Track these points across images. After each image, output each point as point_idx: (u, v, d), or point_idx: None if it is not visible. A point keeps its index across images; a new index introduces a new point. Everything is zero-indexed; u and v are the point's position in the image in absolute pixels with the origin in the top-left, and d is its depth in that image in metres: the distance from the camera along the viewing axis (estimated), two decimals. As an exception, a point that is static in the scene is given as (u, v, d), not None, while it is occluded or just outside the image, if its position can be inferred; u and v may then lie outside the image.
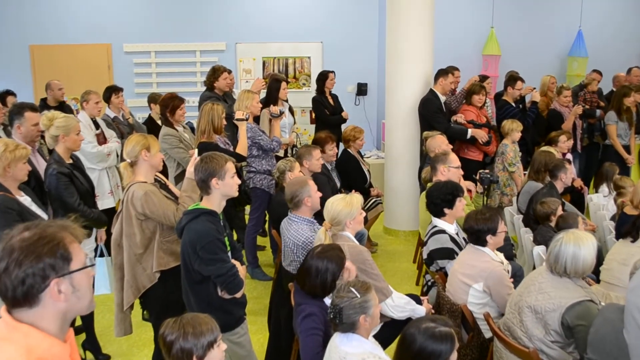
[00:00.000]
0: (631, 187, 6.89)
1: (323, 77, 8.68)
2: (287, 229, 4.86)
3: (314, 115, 9.09)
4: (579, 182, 7.68)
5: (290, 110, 7.85)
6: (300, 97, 10.74)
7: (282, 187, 5.91)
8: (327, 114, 8.60)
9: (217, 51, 10.66)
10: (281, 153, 7.32)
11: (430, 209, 5.05)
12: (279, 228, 5.33)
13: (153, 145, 4.29)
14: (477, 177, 6.13)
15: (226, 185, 3.84)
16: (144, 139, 4.28)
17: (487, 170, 6.48)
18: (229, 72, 8.77)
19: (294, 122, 7.90)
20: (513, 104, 8.32)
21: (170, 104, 6.28)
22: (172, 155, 6.15)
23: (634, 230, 4.75)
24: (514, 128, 7.61)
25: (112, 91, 7.52)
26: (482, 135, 7.61)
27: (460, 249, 4.83)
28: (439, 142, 6.56)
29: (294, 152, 7.45)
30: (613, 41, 11.89)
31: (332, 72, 8.75)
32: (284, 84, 7.52)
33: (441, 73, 7.73)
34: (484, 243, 4.39)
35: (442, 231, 4.93)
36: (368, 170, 7.79)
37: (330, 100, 8.76)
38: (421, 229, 6.06)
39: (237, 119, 6.15)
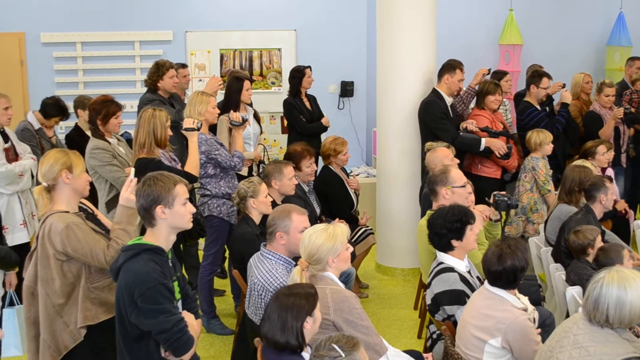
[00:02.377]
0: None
1: (298, 74, 8.70)
2: (257, 267, 4.84)
3: (286, 122, 9.08)
4: (622, 205, 7.73)
5: (256, 116, 7.84)
6: (269, 100, 10.75)
7: (245, 216, 5.90)
8: (303, 121, 8.62)
9: (162, 42, 10.67)
10: (244, 171, 7.30)
11: (434, 242, 5.04)
12: (243, 267, 5.31)
13: (76, 164, 4.26)
14: (492, 201, 6.14)
15: (175, 215, 3.82)
16: (64, 156, 4.24)
17: (503, 192, 6.51)
18: (184, 66, 8.76)
19: (261, 132, 7.90)
20: (538, 107, 8.39)
21: (102, 110, 6.25)
22: (103, 175, 6.10)
23: (692, 265, 4.79)
24: (542, 140, 7.67)
25: None
26: (499, 146, 7.65)
27: (474, 290, 4.82)
28: (440, 156, 6.57)
29: (260, 169, 7.43)
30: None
31: (309, 67, 8.78)
32: (247, 84, 7.52)
33: (447, 69, 7.77)
34: (512, 286, 4.40)
35: (450, 269, 4.92)
36: (355, 192, 7.79)
37: (307, 104, 8.78)
38: (422, 267, 6.05)
39: (187, 129, 6.13)
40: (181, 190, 3.83)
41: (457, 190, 5.71)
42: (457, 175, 5.77)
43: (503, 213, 6.36)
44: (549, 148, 7.73)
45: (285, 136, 10.11)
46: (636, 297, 3.73)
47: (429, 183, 5.87)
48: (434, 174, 5.91)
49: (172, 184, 3.81)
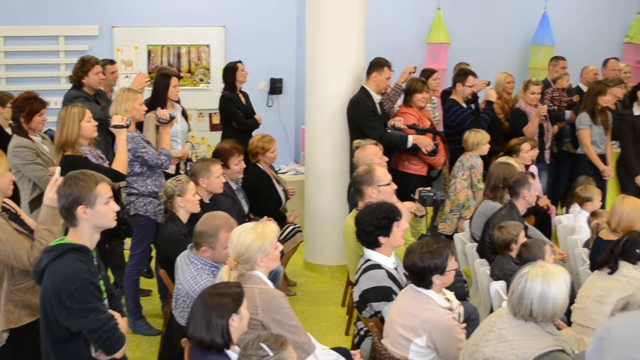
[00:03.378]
0: (598, 197, 7.17)
1: (231, 69, 8.74)
2: (183, 270, 4.81)
3: (214, 120, 9.03)
4: (545, 201, 7.89)
5: (184, 114, 7.77)
6: (197, 97, 10.65)
7: (172, 215, 5.84)
8: (241, 116, 8.67)
9: (87, 37, 10.44)
10: (172, 169, 7.23)
11: (362, 239, 5.07)
12: (170, 267, 5.26)
13: (-1, 162, 4.17)
14: (417, 197, 6.21)
15: (98, 215, 3.78)
16: (-15, 155, 4.14)
17: (429, 188, 6.59)
18: (112, 62, 8.60)
19: (189, 130, 7.83)
20: (464, 105, 8.51)
21: (26, 107, 6.16)
22: (26, 174, 5.99)
23: (611, 259, 4.92)
24: (480, 140, 7.80)
25: None
26: (426, 143, 7.74)
27: (401, 287, 4.87)
28: (369, 154, 6.62)
29: (188, 168, 7.37)
30: (585, 27, 12.38)
31: (239, 62, 8.78)
32: (174, 80, 7.45)
33: (375, 67, 7.83)
34: (428, 285, 4.43)
35: (377, 266, 4.95)
36: (284, 190, 7.79)
37: (242, 99, 8.83)
38: (349, 265, 6.09)
39: (115, 126, 6.05)
40: (103, 189, 3.78)
41: (382, 189, 5.75)
42: (382, 174, 5.82)
43: (429, 209, 6.44)
44: (485, 148, 7.86)
45: (214, 134, 10.07)
46: (559, 292, 3.82)
47: (354, 183, 5.90)
48: (358, 173, 5.93)
49: (94, 183, 3.76)
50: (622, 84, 9.40)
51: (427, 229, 7.97)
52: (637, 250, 4.88)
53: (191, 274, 4.72)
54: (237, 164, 7.09)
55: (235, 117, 8.64)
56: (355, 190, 5.91)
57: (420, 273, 4.42)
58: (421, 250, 4.44)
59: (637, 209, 5.74)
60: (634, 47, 12.65)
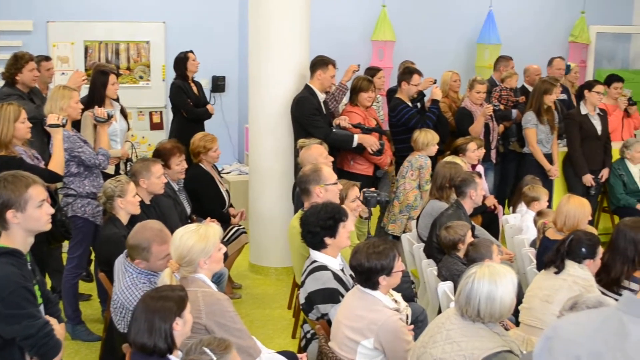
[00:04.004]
0: (545, 197, 7.30)
1: (182, 60, 8.89)
2: (119, 277, 4.77)
3: (155, 118, 8.98)
4: (491, 201, 8.01)
5: (123, 112, 7.69)
6: (137, 95, 10.55)
7: (111, 216, 5.78)
8: (190, 105, 8.75)
9: (21, 32, 10.26)
10: (111, 170, 7.15)
11: (307, 240, 5.08)
12: (109, 270, 5.21)
13: None
14: (361, 198, 6.24)
15: (29, 219, 3.75)
16: None
17: (373, 189, 6.63)
18: (47, 59, 8.47)
19: (128, 129, 7.76)
20: (409, 103, 8.58)
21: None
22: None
23: (557, 259, 5.00)
24: (430, 140, 7.88)
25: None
26: (372, 142, 7.79)
27: (347, 289, 4.89)
28: (314, 154, 6.63)
29: (128, 168, 7.30)
30: (530, 25, 12.59)
31: (191, 51, 8.91)
32: (113, 78, 7.37)
33: (319, 64, 7.85)
34: (375, 286, 4.46)
35: (323, 267, 4.97)
36: (227, 191, 7.77)
37: (195, 89, 8.92)
38: (294, 267, 6.10)
39: (51, 125, 5.98)
40: (35, 192, 3.74)
41: (330, 188, 5.78)
42: (328, 173, 5.85)
43: (376, 210, 6.49)
44: (434, 148, 7.94)
45: (154, 133, 10.00)
46: (506, 292, 3.88)
47: (301, 182, 5.91)
48: (304, 172, 5.94)
49: (24, 187, 3.71)
50: (558, 82, 9.56)
51: (376, 230, 8.04)
52: (583, 250, 4.98)
53: (126, 284, 4.67)
54: (179, 164, 7.04)
55: (184, 106, 8.74)
56: (301, 190, 5.92)
57: (366, 273, 4.45)
58: (368, 250, 4.46)
59: (583, 208, 5.87)
60: (579, 46, 12.90)
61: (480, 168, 8.18)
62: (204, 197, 7.45)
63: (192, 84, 8.99)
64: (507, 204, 9.46)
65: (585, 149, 9.05)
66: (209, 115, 8.96)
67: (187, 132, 8.09)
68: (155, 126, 10.49)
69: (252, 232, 8.34)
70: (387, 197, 6.68)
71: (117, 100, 7.66)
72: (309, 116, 7.69)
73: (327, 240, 5.00)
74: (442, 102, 9.04)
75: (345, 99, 8.53)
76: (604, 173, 9.13)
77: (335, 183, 5.85)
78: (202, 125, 8.88)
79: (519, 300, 5.03)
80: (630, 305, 1.99)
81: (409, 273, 6.56)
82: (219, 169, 8.34)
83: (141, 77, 10.79)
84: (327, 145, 7.08)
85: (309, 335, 5.23)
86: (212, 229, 4.43)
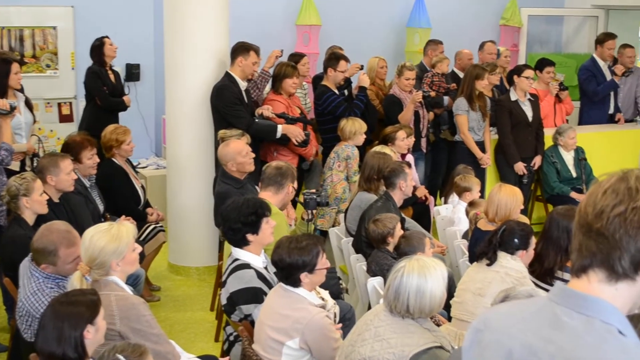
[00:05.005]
0: (477, 187, 7.42)
1: (98, 47, 8.88)
2: (24, 283, 4.69)
3: (65, 109, 8.83)
4: (422, 191, 8.10)
5: (28, 103, 7.55)
6: (44, 85, 10.34)
7: (16, 217, 5.67)
8: (105, 92, 8.70)
9: None
10: (15, 166, 7.01)
11: (229, 237, 5.07)
12: (15, 275, 5.11)
13: None
14: (301, 200, 6.28)
15: None
16: None
17: (313, 190, 6.65)
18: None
19: (34, 121, 7.63)
20: (336, 91, 8.61)
21: None
22: None
23: (489, 250, 5.08)
24: (357, 129, 7.91)
25: None
26: (297, 132, 7.79)
27: (272, 288, 4.89)
28: (232, 152, 6.56)
29: (34, 164, 7.16)
30: (460, 9, 12.74)
31: (107, 37, 8.91)
32: (16, 66, 7.25)
33: (240, 51, 7.79)
34: (297, 283, 4.47)
35: (246, 265, 4.96)
36: (143, 187, 7.70)
37: (112, 77, 8.92)
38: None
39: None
40: None
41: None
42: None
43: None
44: (362, 138, 7.98)
45: (63, 125, 9.84)
46: (436, 286, 3.93)
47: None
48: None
49: None
50: (496, 68, 9.72)
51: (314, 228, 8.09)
52: (515, 240, 5.06)
53: (32, 289, 4.59)
54: (90, 158, 6.93)
55: (99, 93, 8.69)
56: (276, 183, 5.94)
57: (287, 269, 4.46)
58: (290, 245, 4.47)
59: (514, 198, 5.97)
60: (510, 29, 13.11)
61: (410, 158, 8.26)
62: (117, 194, 7.35)
63: (110, 72, 8.94)
64: (439, 194, 9.58)
65: (516, 136, 9.18)
66: (124, 107, 8.90)
67: (100, 124, 7.98)
68: (65, 118, 10.31)
69: (171, 229, 8.27)
70: (327, 197, 6.71)
71: (22, 90, 7.51)
72: (229, 106, 7.65)
73: (250, 237, 4.99)
74: (370, 90, 9.08)
75: (268, 87, 8.51)
76: (537, 161, 9.28)
77: None
78: (116, 116, 8.80)
79: (452, 294, 5.12)
80: (562, 296, 2.00)
81: (336, 269, 6.61)
82: (135, 164, 8.24)
83: (48, 66, 10.58)
84: (249, 137, 7.06)
85: (231, 338, 5.20)
86: (125, 228, 4.38)
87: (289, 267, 4.44)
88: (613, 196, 1.90)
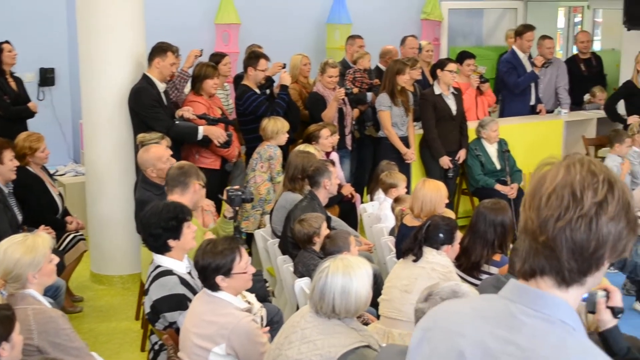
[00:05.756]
0: (403, 183, 7.50)
1: None
2: None
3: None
4: (348, 189, 8.13)
5: None
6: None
7: None
8: (7, 102, 8.52)
9: None
10: None
11: (150, 244, 5.02)
12: None
13: None
14: (225, 197, 6.21)
15: None
16: None
17: (237, 187, 6.62)
18: None
19: None
20: (257, 90, 8.59)
21: None
22: None
23: (415, 246, 5.14)
24: (280, 129, 7.89)
25: None
26: (218, 134, 7.75)
27: (196, 294, 4.85)
28: (152, 158, 6.49)
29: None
30: (381, 3, 12.85)
31: (6, 42, 8.73)
32: None
33: (157, 52, 7.73)
34: (214, 287, 4.45)
35: (169, 272, 4.92)
36: (60, 195, 7.58)
37: (13, 84, 8.70)
38: (143, 271, 6.01)
39: None
40: None
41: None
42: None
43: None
44: (284, 137, 7.96)
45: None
46: (361, 285, 3.95)
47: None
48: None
49: None
50: (417, 63, 9.81)
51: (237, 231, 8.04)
52: (440, 235, 5.14)
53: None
54: (12, 160, 6.80)
55: None
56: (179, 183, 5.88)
57: (202, 272, 4.46)
58: (205, 248, 4.48)
59: (439, 192, 6.05)
60: (431, 23, 13.27)
61: (335, 156, 8.29)
62: (33, 204, 7.21)
63: (10, 79, 8.73)
64: (365, 191, 9.64)
65: (441, 130, 9.29)
66: (30, 114, 8.71)
67: (8, 132, 7.76)
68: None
69: (92, 238, 8.14)
70: (252, 194, 6.67)
71: None
72: (148, 108, 7.58)
73: (171, 242, 4.95)
74: (292, 89, 9.09)
75: (188, 88, 8.45)
76: (461, 154, 9.40)
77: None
78: (24, 124, 8.63)
79: (380, 292, 5.17)
80: (517, 294, 1.95)
81: (263, 271, 6.60)
82: (52, 171, 8.10)
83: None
84: (169, 140, 7.00)
85: (157, 347, 5.16)
86: (40, 238, 4.33)
87: (203, 269, 4.45)
88: (557, 203, 1.85)
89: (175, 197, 5.78)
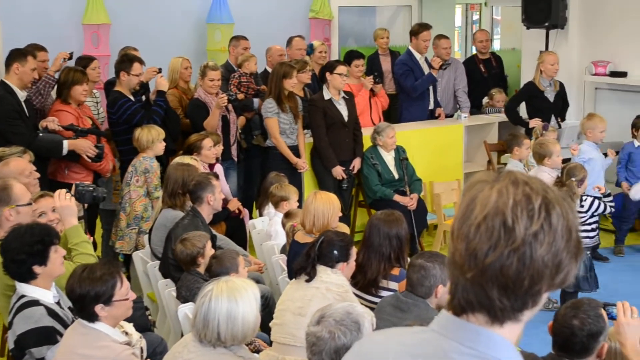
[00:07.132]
0: (295, 196, 7.50)
1: None
2: None
3: None
4: (235, 204, 8.09)
5: None
6: None
7: None
8: None
9: None
10: None
11: (12, 271, 4.86)
12: None
13: None
14: (73, 192, 5.93)
15: None
16: None
17: (88, 182, 6.46)
18: None
19: None
20: (131, 97, 8.45)
21: None
22: None
23: (308, 264, 5.13)
24: (155, 137, 7.83)
25: None
26: (87, 147, 7.60)
27: (67, 325, 4.75)
28: (14, 172, 6.26)
29: None
30: (266, 1, 12.85)
31: None
32: None
33: (16, 56, 7.60)
34: (93, 317, 4.35)
35: (35, 302, 4.78)
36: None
37: None
38: (2, 305, 5.81)
39: None
40: None
41: (22, 210, 5.52)
42: (21, 191, 5.59)
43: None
44: (161, 146, 7.85)
45: None
46: (248, 309, 3.94)
47: None
48: None
49: None
50: (307, 65, 9.82)
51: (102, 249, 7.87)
52: (335, 252, 5.13)
53: None
54: None
55: None
56: None
57: (79, 302, 4.35)
58: (82, 274, 4.36)
59: (331, 205, 6.05)
60: (321, 22, 13.30)
61: (219, 168, 8.23)
62: None
63: None
64: (255, 206, 9.59)
65: (333, 138, 9.22)
66: None
67: None
68: None
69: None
70: (105, 192, 6.45)
71: None
72: (6, 120, 7.39)
73: (37, 269, 4.81)
74: (172, 95, 9.00)
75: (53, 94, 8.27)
76: (356, 163, 9.36)
77: (30, 204, 5.62)
78: None
79: (272, 316, 5.15)
80: (450, 328, 1.89)
81: (143, 298, 6.50)
82: None
83: None
84: (32, 155, 6.82)
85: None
86: None
87: (81, 298, 4.33)
88: (487, 236, 1.78)
89: None
